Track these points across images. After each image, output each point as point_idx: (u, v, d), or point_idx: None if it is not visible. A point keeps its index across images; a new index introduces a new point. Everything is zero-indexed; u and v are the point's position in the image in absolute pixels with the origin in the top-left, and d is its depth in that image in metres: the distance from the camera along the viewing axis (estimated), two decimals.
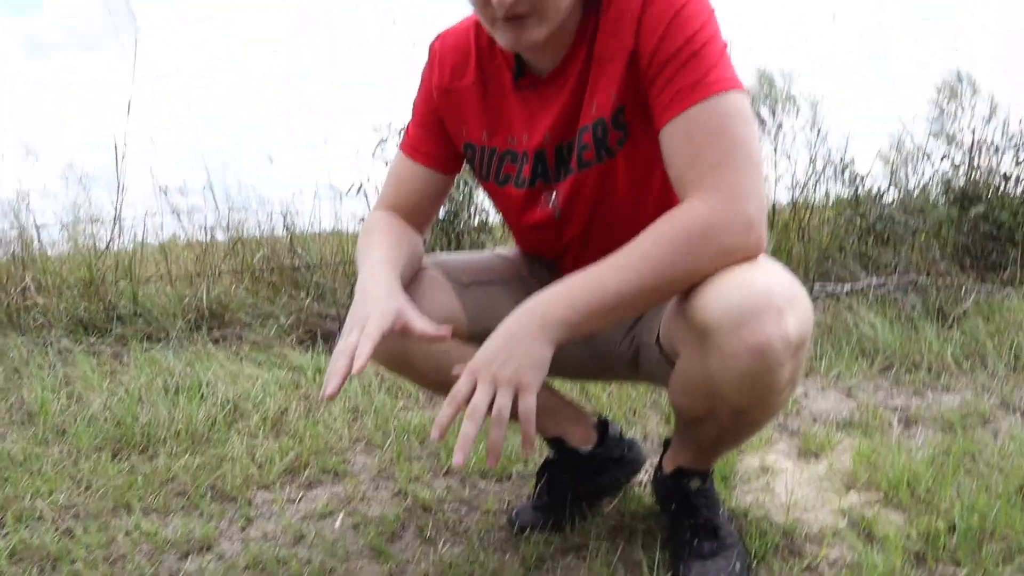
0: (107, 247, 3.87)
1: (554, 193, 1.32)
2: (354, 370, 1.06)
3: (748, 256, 1.08)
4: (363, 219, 3.77)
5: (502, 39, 1.18)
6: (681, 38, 1.11)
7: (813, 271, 3.59)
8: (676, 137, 1.11)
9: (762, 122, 4.17)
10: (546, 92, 1.26)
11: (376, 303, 1.14)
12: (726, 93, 1.09)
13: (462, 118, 1.36)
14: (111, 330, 3.34)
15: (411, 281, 1.35)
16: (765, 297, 1.03)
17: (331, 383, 1.05)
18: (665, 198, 1.16)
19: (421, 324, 1.15)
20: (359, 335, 1.10)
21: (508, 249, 1.55)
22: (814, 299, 3.23)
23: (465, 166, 1.45)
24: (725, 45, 1.14)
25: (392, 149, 3.53)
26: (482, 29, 1.31)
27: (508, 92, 1.30)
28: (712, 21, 1.13)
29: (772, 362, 1.04)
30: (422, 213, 1.42)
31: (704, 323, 1.07)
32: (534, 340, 1.07)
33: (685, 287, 1.10)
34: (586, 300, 1.08)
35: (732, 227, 1.06)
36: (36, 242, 4.02)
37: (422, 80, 1.41)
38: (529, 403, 1.06)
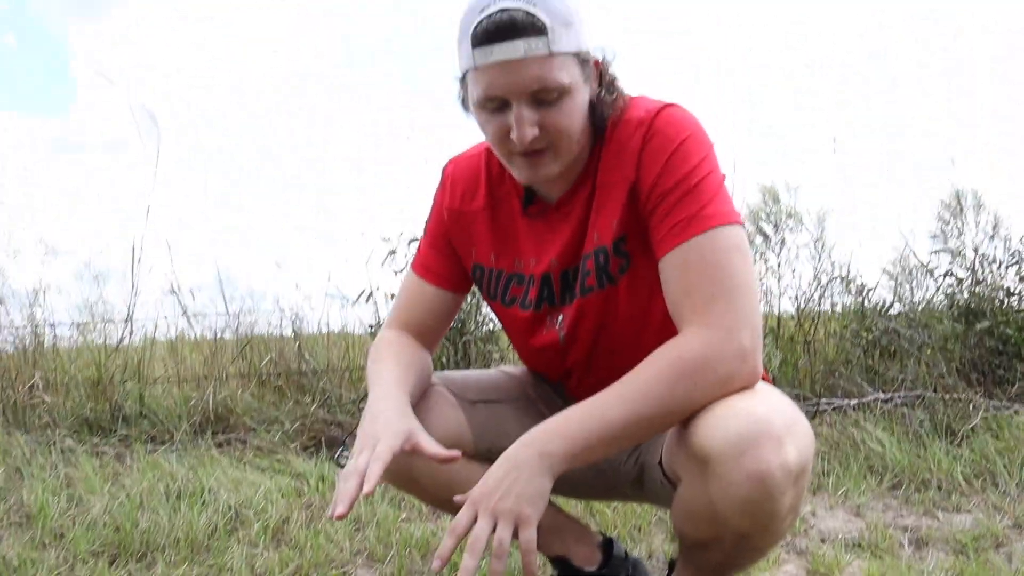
0: (117, 347, 3.91)
1: (560, 316, 1.35)
2: (364, 492, 1.08)
3: (744, 385, 1.11)
4: (371, 326, 3.81)
5: (519, 174, 1.24)
6: (680, 173, 1.16)
7: (820, 385, 3.59)
8: (673, 269, 1.16)
9: (766, 237, 4.26)
10: (554, 219, 1.32)
11: (387, 424, 1.16)
12: (721, 227, 1.14)
13: (471, 240, 1.41)
14: (115, 430, 3.34)
15: (419, 398, 1.38)
16: (765, 425, 1.05)
17: (341, 504, 1.06)
18: (666, 326, 1.19)
19: (431, 446, 1.17)
20: (369, 456, 1.11)
21: (514, 367, 1.57)
22: (821, 413, 3.22)
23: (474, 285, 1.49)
24: (723, 178, 1.20)
25: (401, 259, 3.61)
26: (492, 156, 1.37)
27: (517, 217, 1.36)
28: (711, 156, 1.19)
29: (773, 490, 1.05)
30: (432, 331, 1.45)
31: (704, 451, 1.08)
32: (534, 473, 1.09)
33: (684, 417, 1.13)
34: (585, 433, 1.11)
35: (727, 358, 1.10)
36: (48, 339, 4.07)
37: (434, 202, 1.47)
38: (529, 536, 1.07)
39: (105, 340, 3.99)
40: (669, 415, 1.12)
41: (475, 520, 1.08)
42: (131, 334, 4.03)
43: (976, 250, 3.88)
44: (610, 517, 2.18)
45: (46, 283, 4.16)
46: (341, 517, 1.07)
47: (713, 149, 1.20)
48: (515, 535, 1.08)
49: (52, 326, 4.12)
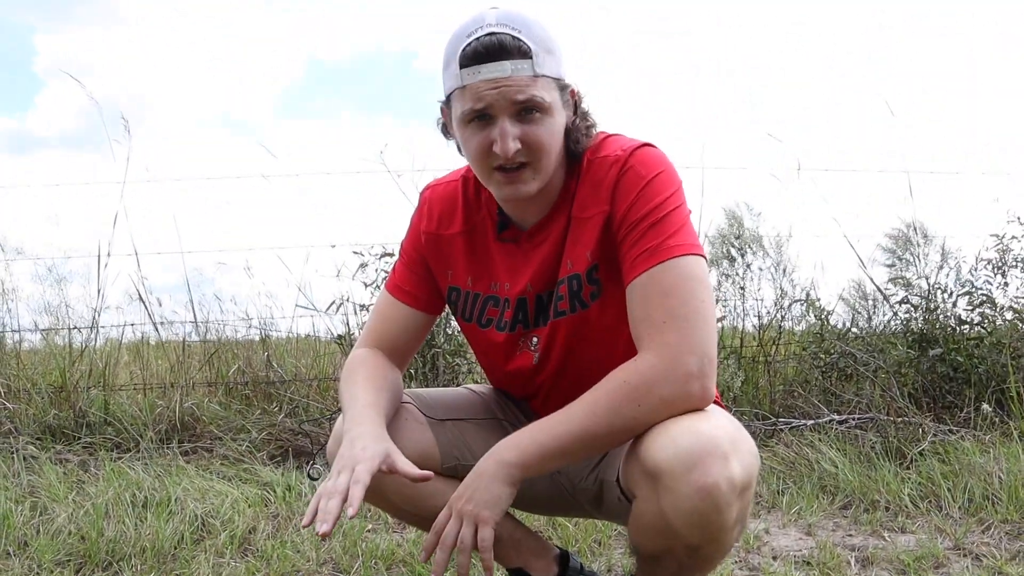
0: (82, 353, 3.88)
1: (535, 338, 1.42)
2: (348, 516, 1.15)
3: (693, 407, 1.19)
4: (340, 336, 3.84)
5: (497, 190, 1.32)
6: (649, 205, 1.25)
7: (778, 405, 3.68)
8: (635, 296, 1.24)
9: (732, 259, 4.36)
10: (526, 246, 1.39)
11: (364, 448, 1.23)
12: (682, 257, 1.22)
13: (448, 263, 1.47)
14: (80, 438, 3.32)
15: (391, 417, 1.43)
16: (711, 443, 1.14)
17: (325, 523, 1.13)
18: (631, 348, 1.27)
19: (407, 466, 1.25)
20: (349, 477, 1.18)
21: (480, 385, 1.64)
22: (778, 433, 3.31)
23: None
24: (689, 213, 1.29)
25: (372, 272, 3.64)
26: (469, 182, 1.45)
27: (491, 242, 1.43)
28: (679, 192, 1.28)
29: (720, 503, 1.14)
30: (403, 349, 1.51)
31: (655, 467, 1.16)
32: (492, 481, 1.21)
33: (632, 435, 1.22)
34: (538, 446, 1.22)
35: (671, 381, 1.18)
36: (11, 344, 4.02)
37: (411, 224, 1.53)
38: (485, 535, 1.20)
39: (70, 345, 3.96)
40: (616, 433, 1.22)
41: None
42: (96, 340, 4.01)
43: (929, 279, 4.00)
44: (572, 531, 2.24)
45: (7, 285, 4.12)
46: (326, 535, 1.14)
47: (681, 186, 1.30)
48: None
49: (15, 331, 4.08)
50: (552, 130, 1.28)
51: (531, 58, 1.23)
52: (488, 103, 1.24)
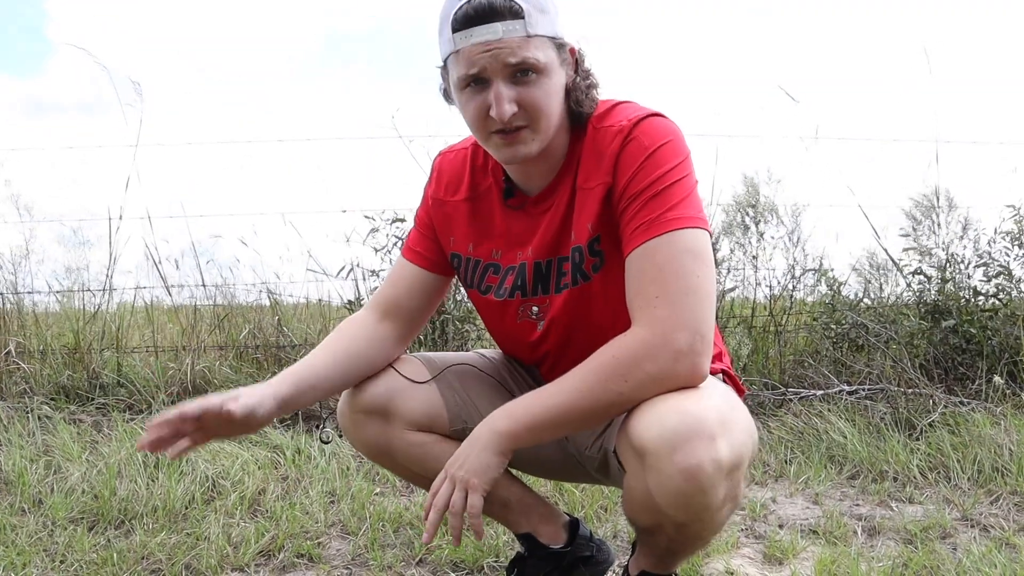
0: (95, 315, 3.91)
1: (535, 308, 1.41)
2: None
3: (682, 384, 1.17)
4: (350, 301, 3.85)
5: (498, 153, 1.30)
6: (651, 176, 1.22)
7: (788, 375, 3.67)
8: (632, 268, 1.23)
9: (745, 228, 4.32)
10: (532, 213, 1.38)
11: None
12: (680, 231, 1.20)
13: (450, 229, 1.47)
14: (93, 399, 3.35)
15: (396, 378, 1.45)
16: (698, 423, 1.12)
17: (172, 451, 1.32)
18: None
19: (226, 405, 1.30)
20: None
21: (491, 350, 1.63)
22: (787, 403, 3.31)
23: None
24: (695, 184, 1.26)
25: (383, 238, 3.64)
26: (478, 150, 1.43)
27: (496, 209, 1.42)
28: (684, 163, 1.25)
29: (704, 484, 1.12)
30: (410, 311, 1.50)
31: (641, 446, 1.15)
32: (483, 447, 1.24)
33: (621, 410, 1.21)
34: (528, 417, 1.23)
35: (658, 357, 1.16)
36: (26, 305, 4.05)
37: (424, 190, 1.53)
38: (474, 502, 1.23)
39: (83, 307, 3.99)
40: (604, 408, 1.21)
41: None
42: (109, 302, 4.03)
43: (946, 249, 3.96)
44: (578, 497, 2.25)
45: (20, 249, 4.13)
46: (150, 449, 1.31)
47: (689, 157, 1.26)
48: None
49: (29, 293, 4.10)
50: (549, 91, 1.25)
51: (523, 18, 1.20)
52: (481, 67, 1.22)
